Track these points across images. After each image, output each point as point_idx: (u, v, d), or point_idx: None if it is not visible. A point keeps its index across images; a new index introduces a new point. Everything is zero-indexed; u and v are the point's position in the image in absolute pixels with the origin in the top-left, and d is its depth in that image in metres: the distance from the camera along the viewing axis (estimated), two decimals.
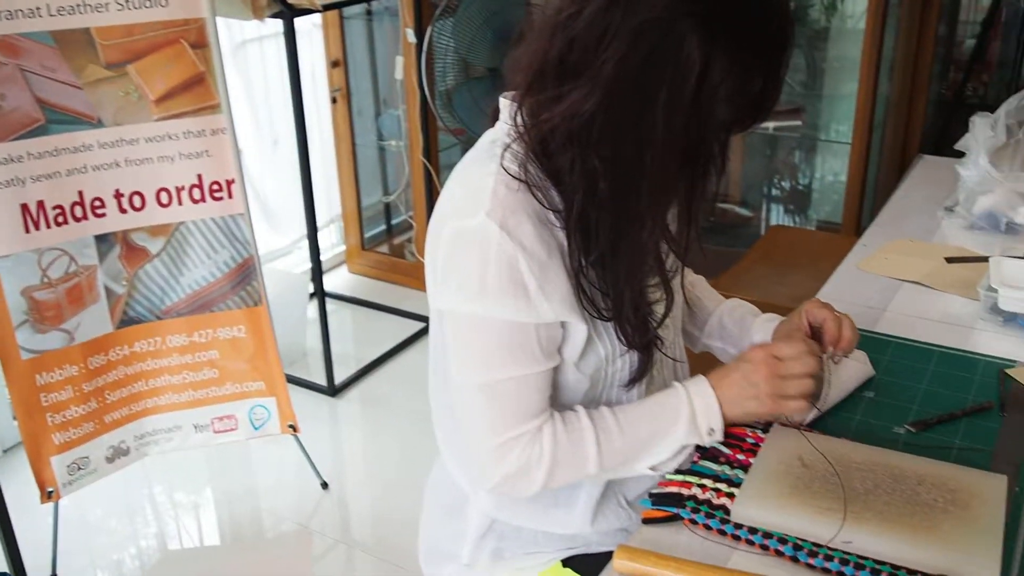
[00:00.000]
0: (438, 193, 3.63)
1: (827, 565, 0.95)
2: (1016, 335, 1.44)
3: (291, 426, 2.37)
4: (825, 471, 1.05)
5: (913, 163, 2.25)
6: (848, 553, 0.95)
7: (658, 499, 1.05)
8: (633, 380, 1.13)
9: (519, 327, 1.01)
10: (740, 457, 1.11)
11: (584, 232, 1.00)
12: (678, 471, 1.10)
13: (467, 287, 1.00)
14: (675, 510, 1.03)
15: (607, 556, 1.22)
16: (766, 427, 1.16)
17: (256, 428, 2.36)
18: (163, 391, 2.27)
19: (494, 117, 1.12)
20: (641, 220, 1.00)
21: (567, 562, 1.21)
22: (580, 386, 1.11)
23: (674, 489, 1.06)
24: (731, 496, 1.04)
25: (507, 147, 1.01)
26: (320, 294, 2.77)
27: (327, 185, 3.59)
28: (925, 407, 1.24)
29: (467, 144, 3.19)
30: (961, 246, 1.76)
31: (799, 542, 0.97)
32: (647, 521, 1.04)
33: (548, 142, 0.99)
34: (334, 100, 3.40)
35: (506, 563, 1.22)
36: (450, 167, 3.87)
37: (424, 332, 3.26)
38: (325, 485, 2.48)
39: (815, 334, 1.19)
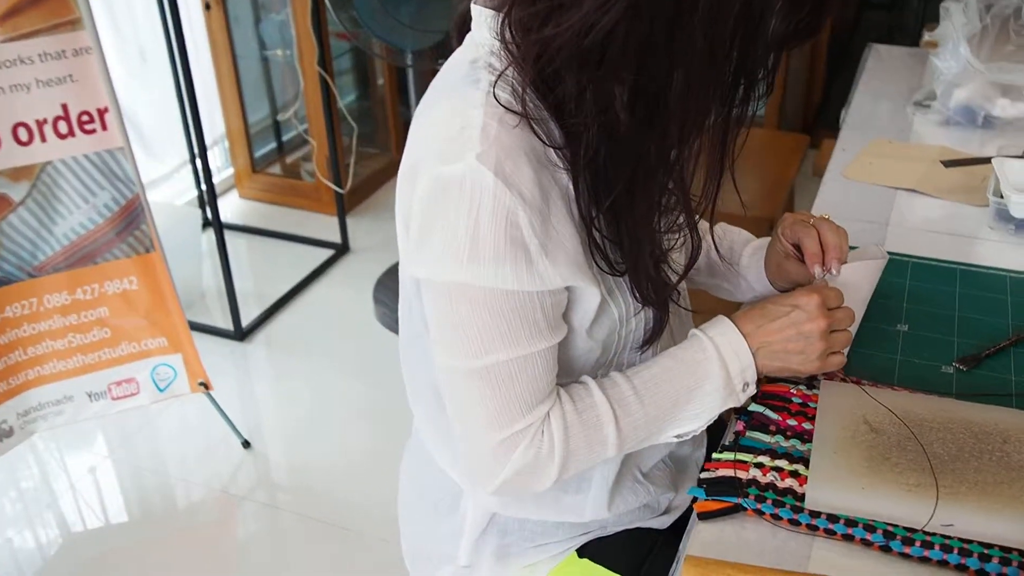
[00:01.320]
0: (337, 104, 3.24)
1: (926, 554, 0.80)
2: None
3: (202, 384, 2.10)
4: (899, 436, 0.90)
5: (863, 54, 2.10)
6: (948, 537, 0.81)
7: (712, 487, 0.87)
8: (648, 340, 0.94)
9: (519, 297, 0.80)
10: (791, 423, 0.94)
11: (595, 173, 0.79)
12: (724, 448, 0.92)
13: (453, 251, 0.78)
14: (736, 500, 0.86)
15: (626, 536, 1.05)
16: (809, 382, 1.00)
17: (161, 390, 2.08)
18: (46, 359, 1.95)
19: (461, 28, 0.88)
20: (666, 156, 0.80)
21: (582, 551, 1.04)
22: (591, 355, 0.92)
23: (727, 472, 0.89)
24: (796, 475, 0.87)
25: (500, 73, 0.78)
26: (217, 224, 2.45)
27: (207, 103, 3.19)
28: (966, 338, 1.11)
29: (360, 47, 2.86)
30: (942, 145, 1.63)
31: (889, 528, 0.82)
32: (703, 516, 0.86)
33: (550, 64, 0.76)
34: (207, 7, 2.99)
35: (513, 560, 1.03)
36: (342, 74, 3.46)
37: (333, 260, 2.98)
38: (247, 444, 2.22)
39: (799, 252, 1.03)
